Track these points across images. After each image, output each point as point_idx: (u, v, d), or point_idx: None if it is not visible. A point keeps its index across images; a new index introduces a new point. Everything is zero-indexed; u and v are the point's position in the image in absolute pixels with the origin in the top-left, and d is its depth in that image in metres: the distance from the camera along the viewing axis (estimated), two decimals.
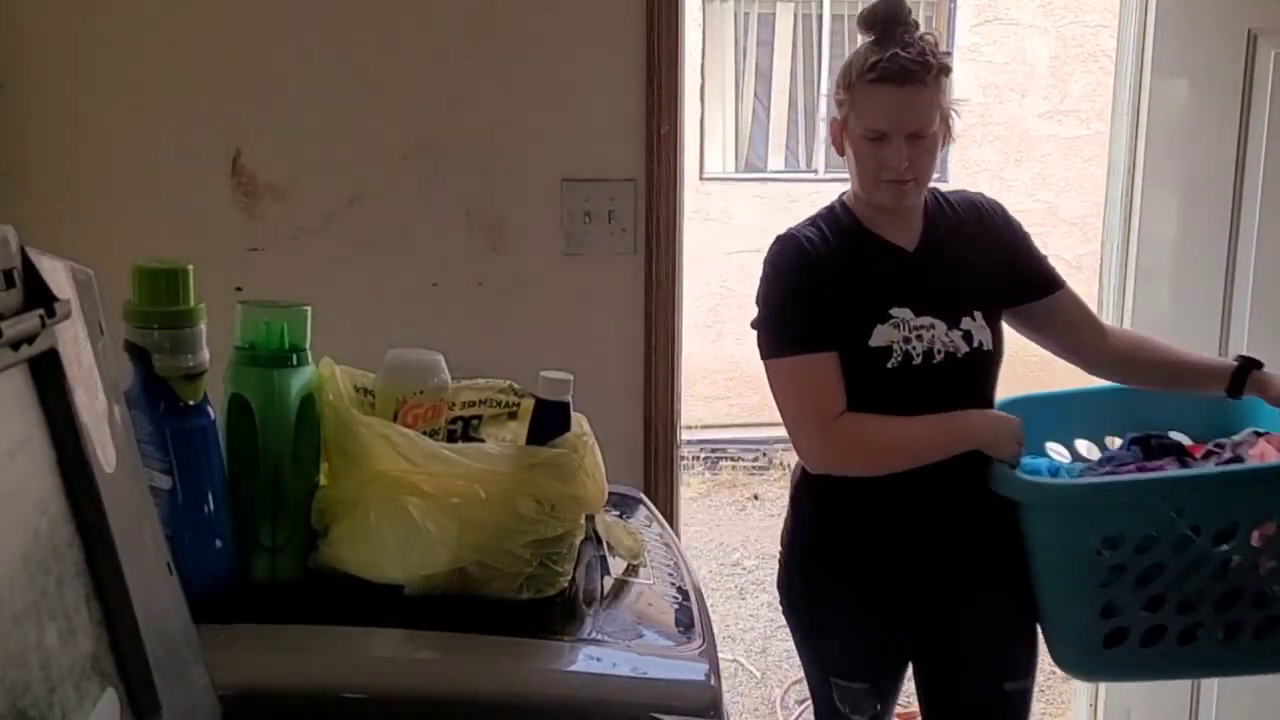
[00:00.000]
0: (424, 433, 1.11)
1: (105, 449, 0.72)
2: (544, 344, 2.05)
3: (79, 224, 1.97)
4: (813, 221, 1.65)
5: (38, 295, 0.67)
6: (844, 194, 1.68)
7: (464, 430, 1.21)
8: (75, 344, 0.71)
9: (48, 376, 0.68)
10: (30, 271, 0.67)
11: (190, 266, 1.00)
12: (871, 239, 1.63)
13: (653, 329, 2.07)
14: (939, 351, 1.58)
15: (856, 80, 1.54)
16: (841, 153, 1.64)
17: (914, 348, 1.58)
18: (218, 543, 1.04)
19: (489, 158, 2.03)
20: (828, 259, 1.59)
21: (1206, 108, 2.15)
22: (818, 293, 1.58)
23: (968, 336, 1.61)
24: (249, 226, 2.02)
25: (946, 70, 1.57)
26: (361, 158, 2.03)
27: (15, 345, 0.63)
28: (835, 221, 1.64)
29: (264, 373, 1.05)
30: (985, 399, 1.67)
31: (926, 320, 1.58)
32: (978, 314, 1.62)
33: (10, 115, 1.97)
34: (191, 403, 1.01)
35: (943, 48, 1.65)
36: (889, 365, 1.56)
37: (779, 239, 1.63)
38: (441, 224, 2.04)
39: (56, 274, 0.70)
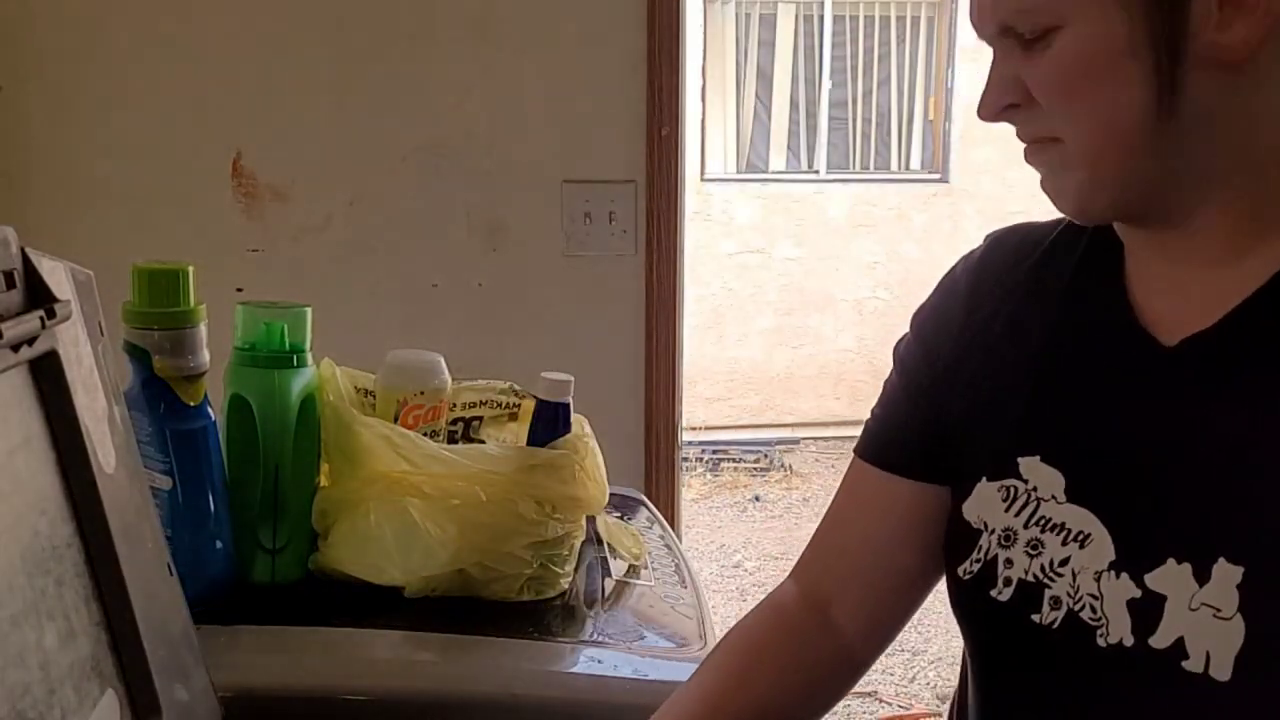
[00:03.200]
0: (424, 434, 1.10)
1: (105, 450, 0.72)
2: (544, 345, 2.05)
3: (79, 225, 1.97)
4: (1058, 220, 0.83)
5: (38, 296, 0.67)
6: None
7: (464, 431, 1.20)
8: (75, 345, 0.71)
9: (48, 377, 0.67)
10: (30, 272, 0.67)
11: (190, 267, 1.00)
12: (1102, 288, 0.77)
13: (653, 330, 2.07)
14: (1060, 603, 0.74)
15: None
16: None
17: (1010, 562, 0.77)
18: (218, 544, 1.04)
19: (489, 158, 2.02)
20: (1000, 301, 0.82)
21: None
22: (937, 362, 0.85)
23: (1146, 608, 0.70)
24: (249, 227, 2.02)
25: None
26: (361, 159, 2.03)
27: (15, 347, 0.63)
28: (1075, 233, 0.81)
29: (264, 373, 1.05)
30: None
31: (1076, 517, 0.74)
32: (1234, 567, 0.67)
33: (10, 116, 1.96)
34: (191, 403, 1.01)
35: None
36: (960, 572, 0.80)
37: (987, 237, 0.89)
38: (441, 225, 2.04)
39: (57, 275, 0.69)
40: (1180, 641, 0.69)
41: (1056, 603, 0.75)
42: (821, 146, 6.81)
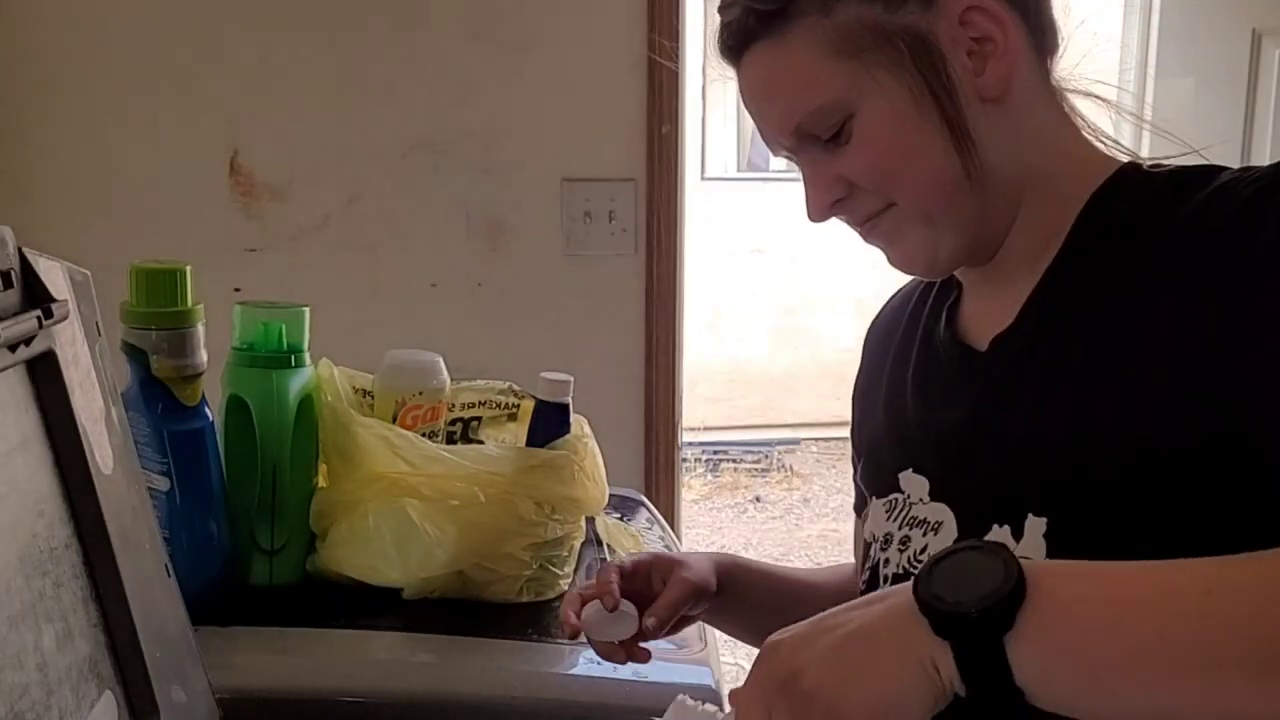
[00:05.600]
0: (423, 434, 1.10)
1: (103, 450, 0.71)
2: (544, 345, 2.05)
3: (77, 224, 1.97)
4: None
5: (35, 296, 0.66)
6: None
7: (463, 432, 1.20)
8: (73, 345, 0.70)
9: (45, 378, 0.67)
10: (28, 272, 0.66)
11: (188, 267, 1.00)
12: (944, 318, 0.88)
13: (653, 330, 2.07)
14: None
15: None
16: None
17: (887, 561, 0.85)
18: (216, 545, 1.04)
19: (489, 158, 2.02)
20: (882, 331, 0.97)
21: (1211, 107, 2.15)
22: (859, 411, 0.98)
23: None
24: (247, 227, 2.02)
25: None
26: (360, 158, 2.02)
27: (13, 347, 0.62)
28: None
29: (262, 374, 1.05)
30: None
31: (935, 511, 0.82)
32: (1038, 519, 0.73)
33: (10, 116, 1.96)
34: (189, 404, 1.00)
35: None
36: (861, 584, 0.90)
37: None
38: (441, 224, 2.03)
39: (54, 274, 0.69)
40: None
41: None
42: None
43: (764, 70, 0.82)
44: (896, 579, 0.83)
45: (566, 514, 1.08)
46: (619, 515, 1.34)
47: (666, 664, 1.03)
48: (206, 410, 1.03)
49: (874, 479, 0.90)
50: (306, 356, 1.08)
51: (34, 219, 1.93)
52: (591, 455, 1.11)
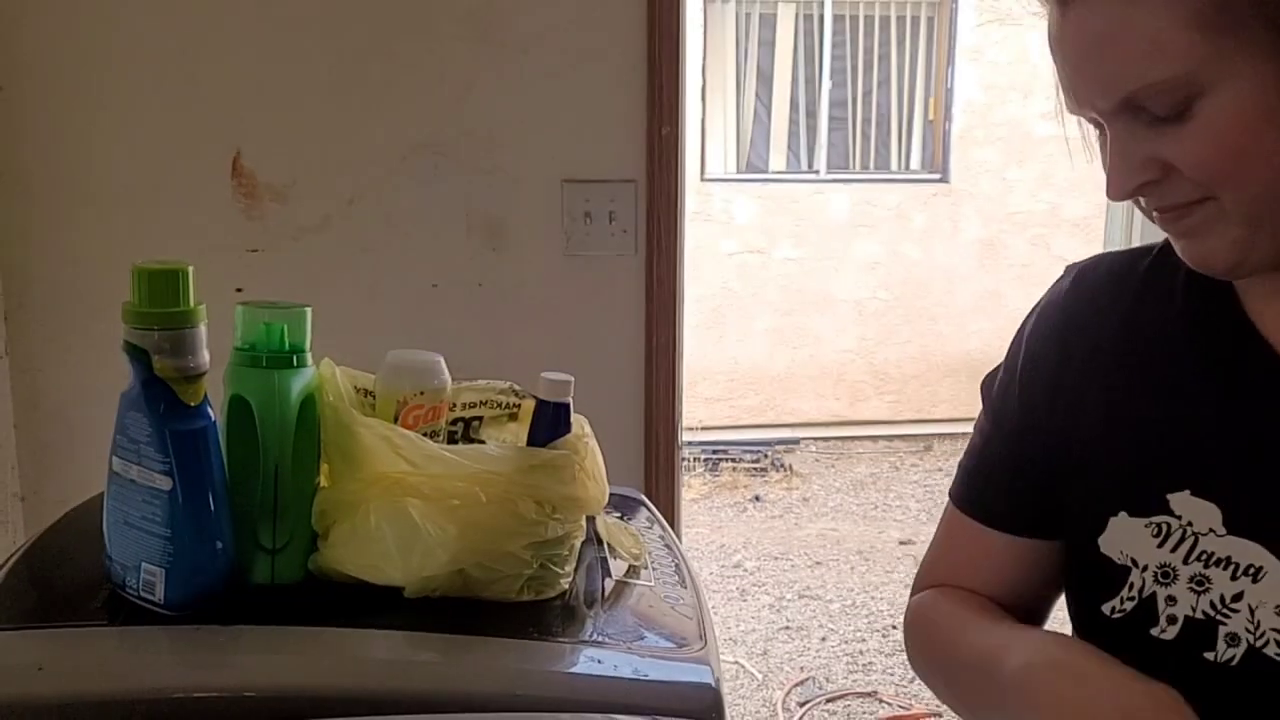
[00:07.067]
0: (424, 434, 1.10)
1: None
2: (544, 345, 2.05)
3: (79, 225, 1.97)
4: (1147, 250, 0.85)
5: None
6: None
7: (464, 432, 1.20)
8: None
9: None
10: None
11: (190, 267, 1.00)
12: (1223, 317, 0.77)
13: (653, 330, 2.07)
14: (1239, 639, 0.74)
15: None
16: None
17: (1173, 599, 0.77)
18: (218, 544, 1.04)
19: (489, 158, 2.02)
20: (1101, 331, 0.83)
21: None
22: (1035, 408, 0.87)
23: None
24: (249, 227, 2.02)
25: None
26: (361, 158, 2.03)
27: None
28: (1170, 262, 0.80)
29: (264, 374, 1.05)
30: None
31: (1241, 549, 0.74)
32: None
33: (10, 116, 1.96)
34: (191, 404, 1.00)
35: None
36: (1107, 610, 0.81)
37: (1067, 269, 0.90)
38: (441, 225, 2.04)
39: None
40: None
41: (1234, 639, 0.74)
42: (821, 146, 6.80)
43: (1103, 23, 0.68)
44: (1192, 623, 0.75)
45: (567, 513, 1.08)
46: (619, 514, 1.34)
47: (666, 662, 1.03)
48: (209, 410, 1.03)
49: (1119, 493, 0.79)
50: (308, 356, 1.09)
51: (37, 219, 1.93)
52: (592, 455, 1.11)
